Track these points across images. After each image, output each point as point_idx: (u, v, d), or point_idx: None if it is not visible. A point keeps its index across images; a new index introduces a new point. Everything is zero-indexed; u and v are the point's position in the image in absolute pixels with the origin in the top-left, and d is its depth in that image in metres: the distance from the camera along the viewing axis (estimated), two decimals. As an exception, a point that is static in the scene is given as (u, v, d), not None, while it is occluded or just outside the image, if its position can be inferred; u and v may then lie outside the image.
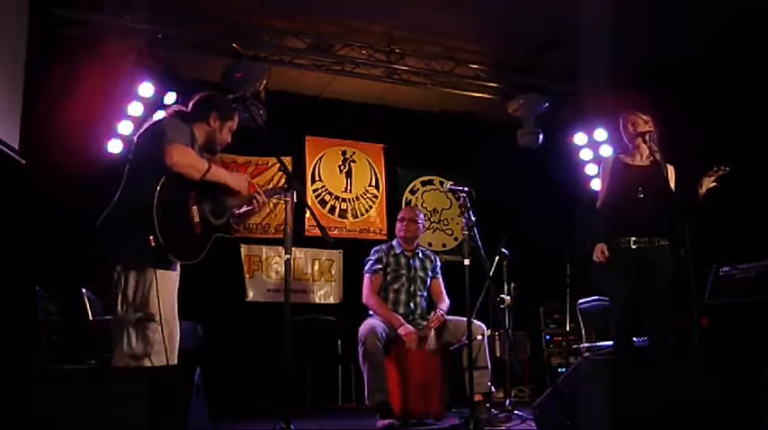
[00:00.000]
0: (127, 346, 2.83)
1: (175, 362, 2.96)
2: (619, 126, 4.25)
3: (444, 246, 7.63)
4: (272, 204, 6.87)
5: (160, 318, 2.82)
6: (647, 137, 4.03)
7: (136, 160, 3.00)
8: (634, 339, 4.28)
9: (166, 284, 2.91)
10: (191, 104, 3.24)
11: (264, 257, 6.81)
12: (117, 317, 2.87)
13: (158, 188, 2.77)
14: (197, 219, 2.99)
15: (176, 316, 3.01)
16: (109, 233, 2.89)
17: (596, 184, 6.48)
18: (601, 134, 6.94)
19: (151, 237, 2.73)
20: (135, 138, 3.10)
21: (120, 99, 5.65)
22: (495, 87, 6.78)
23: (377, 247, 4.86)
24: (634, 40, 5.80)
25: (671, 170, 4.07)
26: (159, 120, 3.12)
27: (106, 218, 2.92)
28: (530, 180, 7.12)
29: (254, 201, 3.31)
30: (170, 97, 5.73)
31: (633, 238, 4.03)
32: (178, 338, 3.00)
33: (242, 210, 3.35)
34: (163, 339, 2.81)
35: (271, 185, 6.82)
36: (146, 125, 3.10)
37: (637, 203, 4.02)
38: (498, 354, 5.89)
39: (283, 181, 3.47)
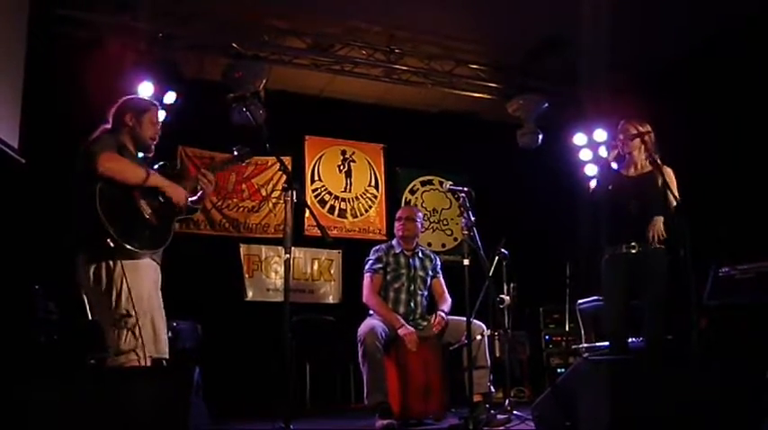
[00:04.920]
0: (113, 343, 2.94)
1: (165, 352, 3.05)
2: (617, 133, 4.25)
3: (444, 246, 7.63)
4: (271, 204, 6.88)
5: (135, 312, 2.94)
6: (645, 137, 4.04)
7: (77, 171, 3.13)
8: (632, 340, 4.28)
9: (137, 276, 3.01)
10: (109, 119, 3.41)
11: (264, 257, 6.80)
12: (98, 316, 3.01)
13: (98, 190, 2.95)
14: (149, 211, 3.15)
15: (158, 306, 3.11)
16: (72, 237, 3.09)
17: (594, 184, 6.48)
18: (600, 135, 6.95)
19: (108, 240, 2.90)
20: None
21: (120, 98, 5.62)
22: (494, 87, 6.78)
23: (376, 247, 4.86)
24: (634, 40, 5.80)
25: (669, 173, 4.07)
26: (89, 138, 3.25)
27: (69, 224, 3.09)
28: (529, 180, 7.12)
29: (201, 184, 3.42)
30: (170, 96, 5.69)
31: (624, 245, 4.06)
32: (164, 328, 3.09)
33: (195, 197, 3.44)
34: (141, 332, 2.93)
35: (271, 184, 6.86)
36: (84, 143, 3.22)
37: (628, 215, 4.03)
38: (498, 355, 5.89)
39: (283, 179, 3.49)
